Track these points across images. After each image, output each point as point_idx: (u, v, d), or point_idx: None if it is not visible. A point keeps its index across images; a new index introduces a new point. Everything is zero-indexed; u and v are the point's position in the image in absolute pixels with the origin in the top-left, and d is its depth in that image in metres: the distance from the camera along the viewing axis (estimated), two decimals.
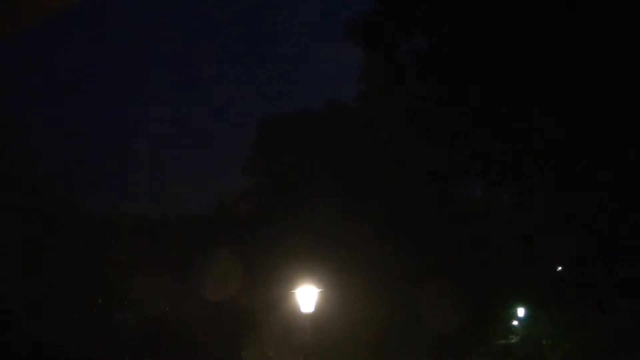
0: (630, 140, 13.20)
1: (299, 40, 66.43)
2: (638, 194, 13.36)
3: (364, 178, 25.78)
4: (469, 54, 13.89)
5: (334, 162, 26.75)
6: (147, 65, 61.49)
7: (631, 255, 14.55)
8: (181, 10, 66.29)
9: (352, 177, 25.81)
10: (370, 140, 28.22)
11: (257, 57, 63.67)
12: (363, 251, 23.75)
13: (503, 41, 13.49)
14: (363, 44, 17.14)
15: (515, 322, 33.64)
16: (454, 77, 14.86)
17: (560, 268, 23.16)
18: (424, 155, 25.22)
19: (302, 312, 15.89)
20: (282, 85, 56.51)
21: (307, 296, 15.75)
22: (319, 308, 16.45)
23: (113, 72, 59.44)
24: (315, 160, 27.39)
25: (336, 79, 66.68)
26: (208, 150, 48.92)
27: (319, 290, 16.10)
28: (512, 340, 32.74)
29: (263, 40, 66.96)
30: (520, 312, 31.51)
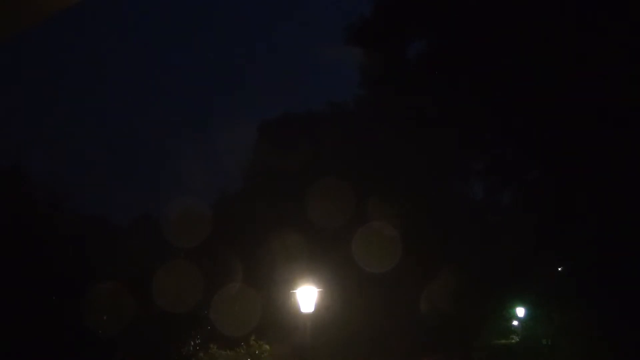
0: (629, 140, 13.22)
1: (300, 40, 66.50)
2: (636, 193, 13.38)
3: (364, 178, 25.79)
4: (469, 57, 13.92)
5: (334, 162, 26.76)
6: (146, 66, 61.53)
7: (630, 255, 14.58)
8: (181, 13, 66.43)
9: (353, 177, 25.81)
10: (371, 140, 28.22)
11: (257, 57, 63.72)
12: (363, 251, 23.76)
13: (502, 44, 13.52)
14: (363, 48, 17.15)
15: (515, 322, 33.66)
16: (455, 79, 14.90)
17: (560, 268, 23.20)
18: (425, 155, 25.27)
19: (301, 312, 15.87)
20: (283, 86, 56.63)
21: (307, 296, 15.72)
22: (319, 308, 16.43)
23: (114, 73, 59.51)
24: (316, 161, 27.39)
25: (338, 79, 66.84)
26: (209, 150, 49.04)
27: (319, 290, 16.07)
28: (513, 340, 32.77)
29: (263, 40, 67.05)
30: (520, 312, 31.50)
